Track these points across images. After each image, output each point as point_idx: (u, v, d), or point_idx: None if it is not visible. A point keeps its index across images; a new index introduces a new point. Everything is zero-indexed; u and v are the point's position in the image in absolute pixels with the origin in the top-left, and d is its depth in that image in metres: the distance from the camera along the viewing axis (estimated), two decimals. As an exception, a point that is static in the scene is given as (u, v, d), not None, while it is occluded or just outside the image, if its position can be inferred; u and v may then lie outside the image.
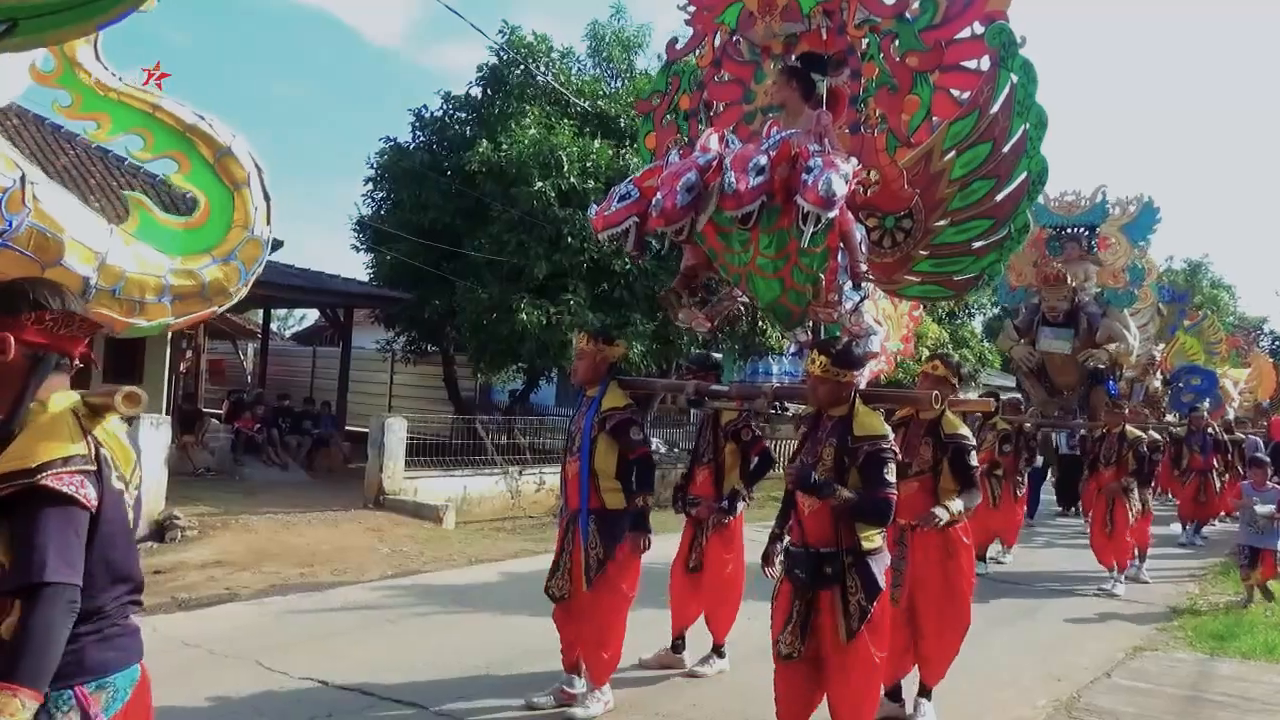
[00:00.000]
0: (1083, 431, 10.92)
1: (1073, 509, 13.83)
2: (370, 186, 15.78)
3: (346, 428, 15.61)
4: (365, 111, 70.54)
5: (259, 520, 10.14)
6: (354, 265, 49.26)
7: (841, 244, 4.49)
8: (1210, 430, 12.86)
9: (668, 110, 5.68)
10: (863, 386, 4.81)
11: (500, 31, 14.88)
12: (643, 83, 13.47)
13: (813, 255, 4.33)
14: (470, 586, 7.92)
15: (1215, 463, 12.63)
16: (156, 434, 9.55)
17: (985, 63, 4.49)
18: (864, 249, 4.63)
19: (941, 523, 4.50)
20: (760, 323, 7.96)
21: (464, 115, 15.44)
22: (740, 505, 5.59)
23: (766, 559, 4.17)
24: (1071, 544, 11.23)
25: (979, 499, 4.88)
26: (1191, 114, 75.80)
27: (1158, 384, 14.94)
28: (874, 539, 3.72)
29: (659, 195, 4.27)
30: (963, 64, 4.61)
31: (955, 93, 4.62)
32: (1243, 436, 13.90)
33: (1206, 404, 14.08)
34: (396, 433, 11.80)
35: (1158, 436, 9.86)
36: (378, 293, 15.67)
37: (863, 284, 4.75)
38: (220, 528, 9.65)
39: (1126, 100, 79.16)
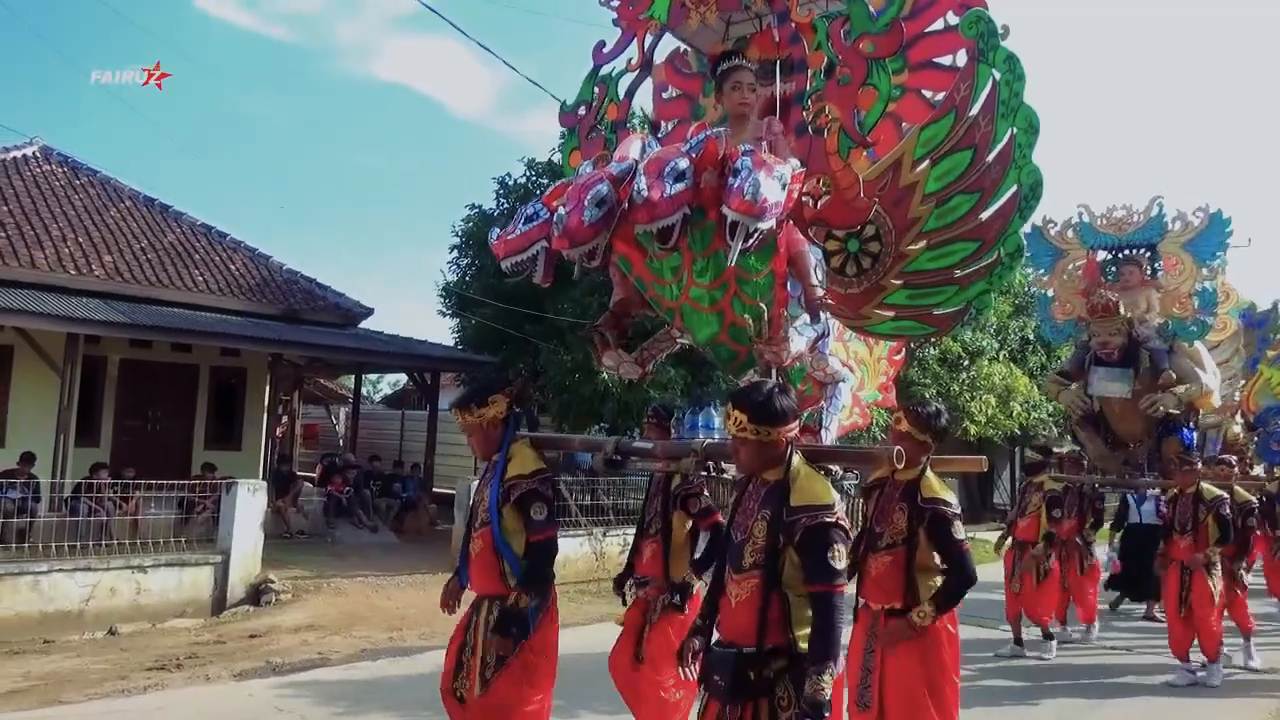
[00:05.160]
0: (1154, 492, 9.28)
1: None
2: (455, 254, 16.25)
3: (434, 489, 15.86)
4: (450, 180, 72.89)
5: (349, 584, 10.33)
6: (441, 330, 50.52)
7: (791, 270, 3.73)
8: None
9: (595, 122, 4.73)
10: (828, 443, 4.21)
11: (582, 97, 15.20)
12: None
13: (754, 283, 3.67)
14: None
15: None
16: (253, 499, 9.85)
17: (962, 57, 3.78)
18: (819, 274, 3.86)
19: (915, 631, 3.84)
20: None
21: (546, 181, 15.77)
22: (693, 593, 4.78)
23: (681, 655, 3.25)
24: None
25: (965, 584, 3.93)
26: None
27: (1238, 429, 12.74)
28: None
29: (561, 210, 3.50)
30: (936, 60, 3.93)
31: (928, 94, 3.92)
32: None
33: None
34: (482, 495, 11.88)
35: (1249, 496, 8.42)
36: (463, 356, 16.01)
37: (820, 317, 3.90)
38: (313, 591, 9.87)
39: (1213, 113, 76.57)
